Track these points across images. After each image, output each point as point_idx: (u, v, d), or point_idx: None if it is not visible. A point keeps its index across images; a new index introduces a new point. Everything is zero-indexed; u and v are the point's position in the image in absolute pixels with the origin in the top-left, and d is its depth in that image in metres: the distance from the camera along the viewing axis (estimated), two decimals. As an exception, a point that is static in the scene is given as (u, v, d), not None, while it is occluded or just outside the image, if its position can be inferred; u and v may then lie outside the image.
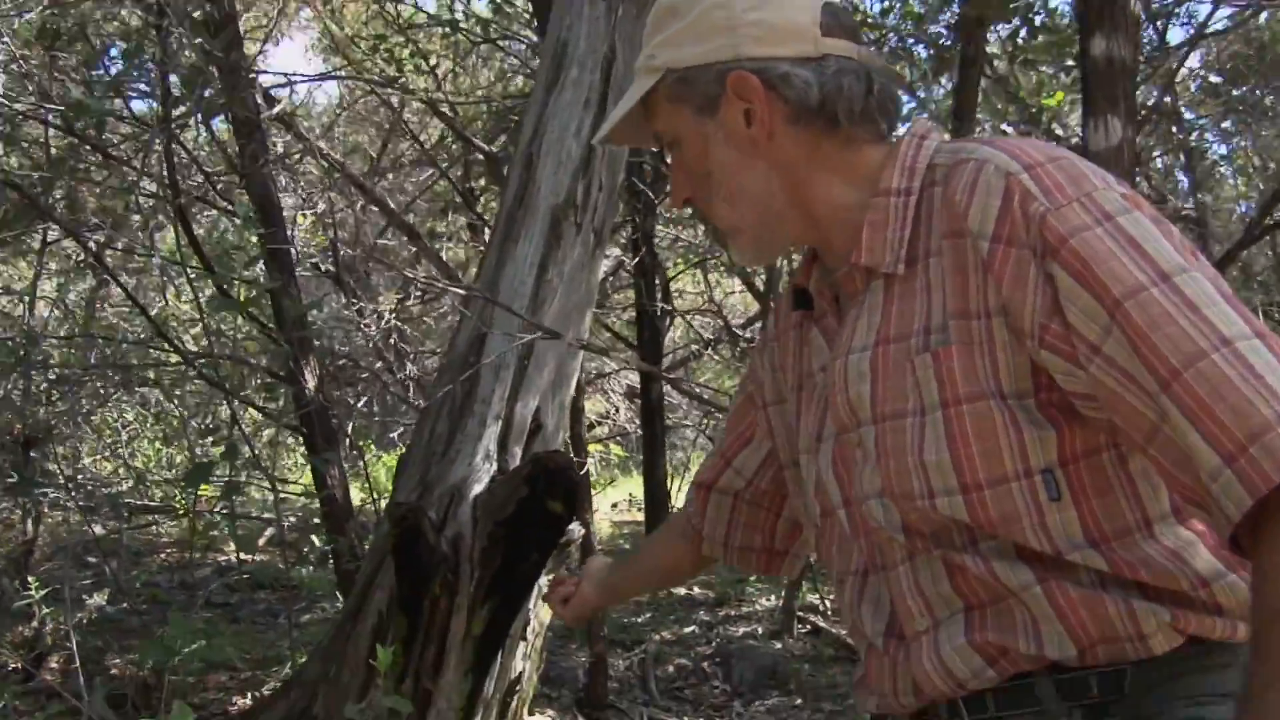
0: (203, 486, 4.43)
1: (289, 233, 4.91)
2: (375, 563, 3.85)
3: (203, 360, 4.07)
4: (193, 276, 4.40)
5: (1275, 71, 9.05)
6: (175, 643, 3.60)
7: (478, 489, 3.67)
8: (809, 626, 6.37)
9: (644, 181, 8.63)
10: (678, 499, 11.15)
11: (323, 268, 10.46)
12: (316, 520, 5.01)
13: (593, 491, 8.31)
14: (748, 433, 1.64)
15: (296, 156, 9.70)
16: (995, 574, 1.20)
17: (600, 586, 1.99)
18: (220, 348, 4.08)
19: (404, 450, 4.04)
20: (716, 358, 11.92)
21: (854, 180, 1.32)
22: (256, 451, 4.16)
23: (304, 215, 9.10)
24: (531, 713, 4.63)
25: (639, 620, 6.55)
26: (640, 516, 10.98)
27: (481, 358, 3.89)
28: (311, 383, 4.47)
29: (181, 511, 5.90)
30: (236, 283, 3.87)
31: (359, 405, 9.75)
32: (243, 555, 7.60)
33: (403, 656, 3.57)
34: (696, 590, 7.41)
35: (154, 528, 7.75)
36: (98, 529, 7.12)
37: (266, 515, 6.46)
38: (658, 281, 9.15)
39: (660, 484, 9.60)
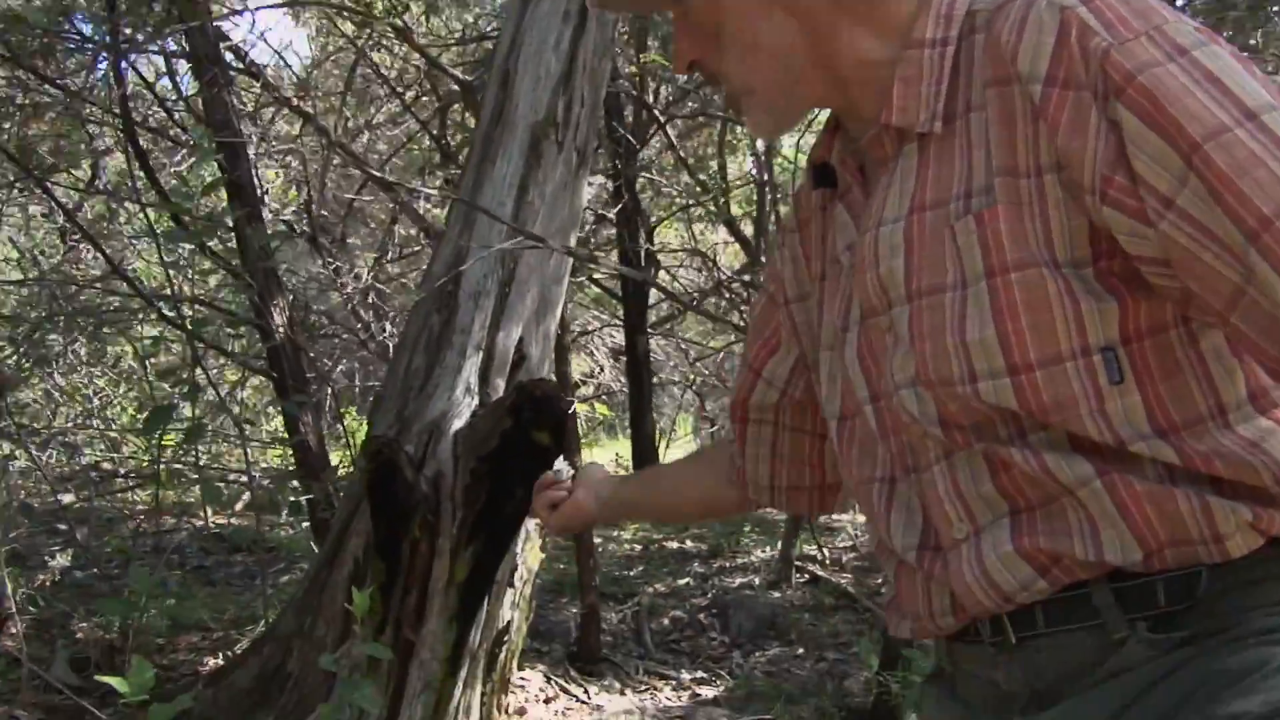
0: (168, 437, 4.16)
1: (254, 172, 4.62)
2: (350, 507, 3.61)
3: (161, 300, 3.80)
4: (152, 216, 4.12)
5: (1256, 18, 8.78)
6: (139, 599, 3.34)
7: (458, 424, 3.42)
8: (807, 576, 6.16)
9: (624, 126, 8.40)
10: (667, 459, 10.92)
11: (297, 229, 10.21)
12: (291, 471, 4.75)
13: (581, 442, 8.07)
14: (773, 339, 1.45)
15: (268, 116, 9.41)
16: (1047, 469, 1.05)
17: (604, 501, 1.79)
18: (180, 288, 3.80)
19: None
20: (702, 313, 11.68)
21: (883, 32, 1.16)
22: (222, 394, 3.88)
23: (275, 174, 8.83)
24: (521, 667, 4.40)
25: (630, 573, 6.32)
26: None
27: (460, 284, 3.63)
28: (280, 320, 4.19)
29: (146, 463, 5.62)
30: (192, 214, 3.59)
31: (338, 368, 9.49)
32: (212, 512, 7.36)
33: (381, 605, 3.32)
34: (689, 543, 7.19)
35: (128, 494, 7.46)
36: (68, 497, 6.88)
37: (241, 479, 6.18)
38: (641, 229, 8.89)
39: (648, 440, 9.38)
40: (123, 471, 7.22)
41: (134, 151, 4.20)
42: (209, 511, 3.96)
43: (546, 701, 4.25)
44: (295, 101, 8.88)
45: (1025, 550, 1.07)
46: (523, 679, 4.35)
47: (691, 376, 12.21)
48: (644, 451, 9.32)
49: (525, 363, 3.67)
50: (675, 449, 13.02)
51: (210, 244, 4.25)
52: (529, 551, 3.89)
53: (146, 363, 5.85)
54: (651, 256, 9.49)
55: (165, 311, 3.86)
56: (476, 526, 3.29)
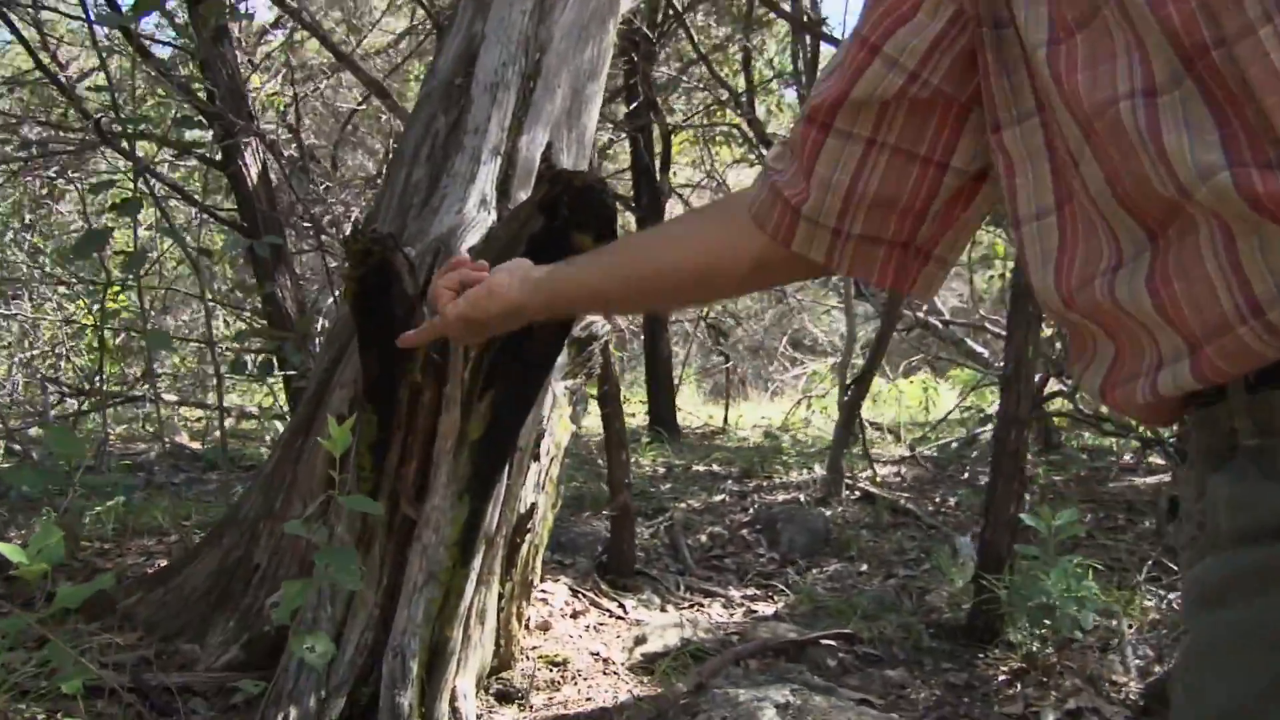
0: (120, 298, 3.39)
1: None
2: (334, 352, 2.85)
3: (101, 114, 3.02)
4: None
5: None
6: (58, 466, 2.60)
7: (472, 240, 2.66)
8: (858, 493, 5.42)
9: (640, 20, 7.64)
10: (681, 397, 10.17)
11: (285, 154, 9.55)
12: (259, 329, 3.96)
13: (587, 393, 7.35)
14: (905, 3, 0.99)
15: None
16: None
17: (533, 282, 1.34)
18: (116, 97, 3.02)
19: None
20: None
21: None
22: (169, 213, 3.10)
23: (259, 78, 8.08)
24: (540, 578, 3.66)
25: (655, 490, 5.57)
26: (643, 411, 10.02)
27: (473, 76, 2.87)
28: (251, 160, 3.42)
29: (91, 324, 4.82)
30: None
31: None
32: (188, 436, 6.65)
33: (372, 469, 2.56)
34: (717, 466, 6.45)
35: (89, 414, 6.71)
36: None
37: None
38: (655, 123, 8.12)
39: (664, 365, 8.63)
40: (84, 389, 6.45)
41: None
42: (150, 353, 3.12)
43: (574, 616, 3.51)
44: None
45: None
46: (544, 591, 3.61)
47: (705, 310, 11.46)
48: (660, 376, 8.58)
49: (555, 173, 2.90)
50: (687, 387, 12.29)
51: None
52: (557, 421, 3.14)
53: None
54: (666, 166, 8.71)
55: (104, 128, 3.07)
56: (495, 369, 2.53)
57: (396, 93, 10.37)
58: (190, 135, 3.23)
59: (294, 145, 8.92)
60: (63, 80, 3.58)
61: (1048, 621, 3.17)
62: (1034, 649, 3.20)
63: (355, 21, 11.00)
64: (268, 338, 3.24)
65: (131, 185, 2.88)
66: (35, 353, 8.46)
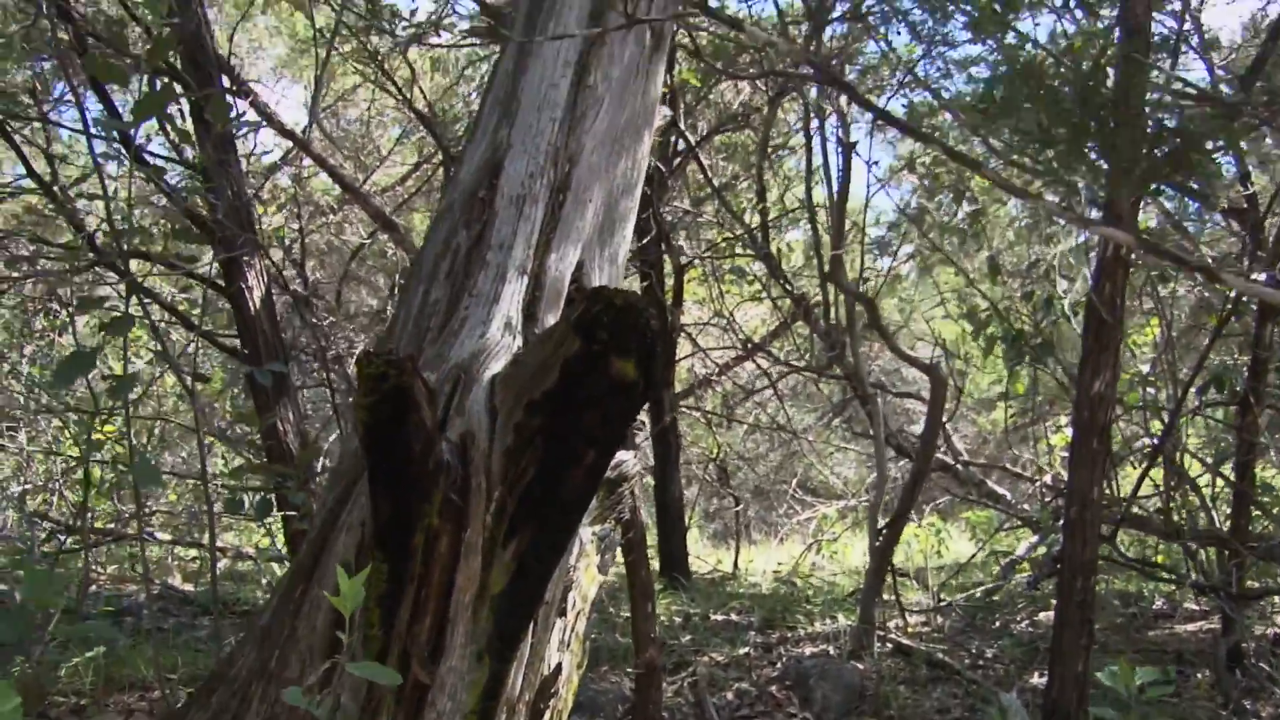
0: (108, 427, 3.12)
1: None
2: (341, 490, 2.56)
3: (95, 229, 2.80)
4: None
5: None
6: (33, 611, 2.30)
7: (496, 368, 2.40)
8: (891, 645, 5.07)
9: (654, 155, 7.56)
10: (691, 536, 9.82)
11: (290, 287, 9.44)
12: (258, 464, 3.67)
13: (616, 540, 7.04)
14: None
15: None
16: None
17: None
18: (114, 214, 2.80)
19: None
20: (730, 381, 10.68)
21: None
22: (161, 328, 2.86)
23: (264, 209, 7.98)
24: (560, 742, 3.31)
25: (675, 642, 5.21)
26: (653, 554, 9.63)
27: (497, 188, 2.65)
28: (256, 280, 3.19)
29: (76, 457, 4.52)
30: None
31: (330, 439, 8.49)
32: (181, 578, 6.31)
33: (381, 626, 2.26)
34: (734, 615, 6.09)
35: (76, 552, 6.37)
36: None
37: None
38: (666, 255, 7.97)
39: (675, 505, 8.31)
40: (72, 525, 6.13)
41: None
42: (141, 494, 2.87)
43: (597, 786, 3.16)
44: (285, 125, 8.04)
45: None
46: (562, 757, 3.26)
47: (713, 450, 11.17)
48: (670, 513, 8.25)
49: (586, 295, 2.66)
50: (691, 531, 11.92)
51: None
52: (584, 571, 2.84)
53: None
54: (678, 297, 8.51)
55: (97, 243, 2.85)
56: (522, 512, 2.25)
57: (403, 228, 10.29)
58: (189, 252, 3.02)
59: (298, 280, 8.78)
60: (55, 191, 3.38)
61: (1129, 798, 2.83)
62: (1116, 829, 2.85)
63: (363, 158, 11.02)
64: (267, 474, 3.00)
65: (123, 304, 2.64)
66: (29, 486, 8.18)
